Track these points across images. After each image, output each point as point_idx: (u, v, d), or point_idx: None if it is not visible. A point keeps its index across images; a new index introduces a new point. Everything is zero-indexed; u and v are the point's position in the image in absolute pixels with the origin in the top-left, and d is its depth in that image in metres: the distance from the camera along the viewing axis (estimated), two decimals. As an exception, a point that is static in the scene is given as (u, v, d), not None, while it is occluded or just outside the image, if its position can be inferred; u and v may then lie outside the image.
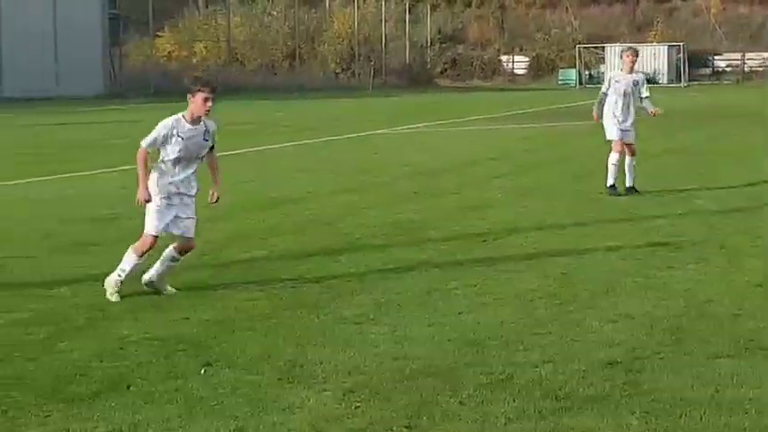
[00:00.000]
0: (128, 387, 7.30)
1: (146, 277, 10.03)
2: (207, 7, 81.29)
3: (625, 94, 17.37)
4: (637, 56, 17.70)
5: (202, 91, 9.73)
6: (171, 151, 9.80)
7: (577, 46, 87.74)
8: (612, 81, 17.51)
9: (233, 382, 7.37)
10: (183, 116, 9.84)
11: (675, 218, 14.77)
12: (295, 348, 8.16)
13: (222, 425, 6.54)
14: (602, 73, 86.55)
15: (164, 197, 9.88)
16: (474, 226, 14.12)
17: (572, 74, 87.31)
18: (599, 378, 7.37)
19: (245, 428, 6.48)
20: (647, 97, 17.57)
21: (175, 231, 9.98)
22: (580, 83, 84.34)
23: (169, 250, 10.06)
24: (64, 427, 6.53)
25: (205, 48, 77.28)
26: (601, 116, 17.54)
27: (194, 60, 72.62)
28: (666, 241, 12.86)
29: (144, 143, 9.84)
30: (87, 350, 8.20)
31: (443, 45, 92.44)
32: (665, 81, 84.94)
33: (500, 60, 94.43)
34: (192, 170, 9.95)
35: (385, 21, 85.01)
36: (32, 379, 7.49)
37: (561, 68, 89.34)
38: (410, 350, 8.11)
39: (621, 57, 17.97)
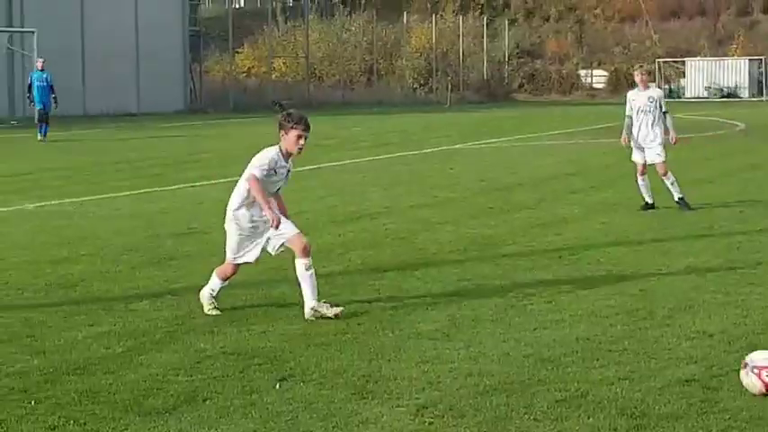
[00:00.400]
0: (204, 401, 7.38)
1: (307, 313, 9.65)
2: (286, 23, 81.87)
3: (641, 112, 17.26)
4: (648, 74, 17.81)
5: (296, 128, 9.58)
6: (265, 184, 9.70)
7: (657, 60, 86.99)
8: (630, 100, 17.49)
9: (307, 397, 7.41)
10: (280, 149, 9.72)
11: (756, 234, 14.59)
12: (369, 364, 8.18)
13: (296, 439, 6.59)
14: (683, 87, 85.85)
15: (249, 226, 9.81)
16: (550, 242, 14.06)
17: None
18: (675, 396, 7.30)
19: (320, 443, 6.51)
20: (665, 112, 17.41)
21: (280, 242, 9.81)
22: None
23: (297, 266, 9.79)
24: (141, 440, 6.63)
25: (284, 63, 77.81)
26: (630, 138, 17.44)
27: (273, 76, 73.06)
28: (747, 258, 12.71)
29: (257, 173, 9.57)
30: (165, 364, 8.30)
31: (521, 60, 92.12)
32: (747, 95, 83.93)
33: (578, 75, 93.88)
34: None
35: (463, 36, 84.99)
36: (110, 392, 7.59)
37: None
38: (485, 366, 8.10)
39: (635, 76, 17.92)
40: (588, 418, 6.90)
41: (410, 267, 12.26)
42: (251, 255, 9.92)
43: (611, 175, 23.16)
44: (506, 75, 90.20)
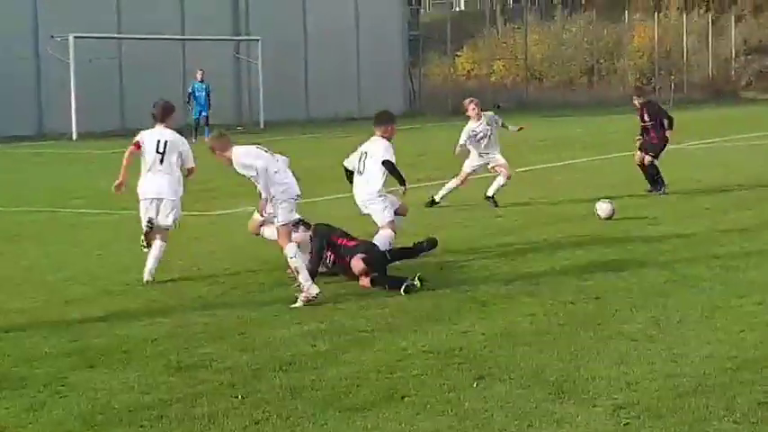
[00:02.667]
0: (402, 398, 7.51)
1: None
2: (505, 25, 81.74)
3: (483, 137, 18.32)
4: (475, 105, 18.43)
5: None
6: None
7: None
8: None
9: (504, 396, 7.46)
10: None
11: None
12: (568, 364, 8.17)
13: (490, 437, 6.65)
14: None
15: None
16: (767, 243, 13.69)
17: None
18: None
19: (513, 442, 6.55)
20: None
21: None
22: None
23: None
24: (339, 435, 6.80)
25: (504, 66, 77.73)
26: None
27: (492, 79, 73.09)
28: None
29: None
30: (366, 362, 8.48)
31: (749, 57, 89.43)
32: None
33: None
34: None
35: (687, 34, 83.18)
36: (313, 389, 7.81)
37: None
38: (685, 368, 7.98)
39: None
40: (790, 421, 6.74)
41: (618, 268, 12.13)
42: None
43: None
44: (733, 72, 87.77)
